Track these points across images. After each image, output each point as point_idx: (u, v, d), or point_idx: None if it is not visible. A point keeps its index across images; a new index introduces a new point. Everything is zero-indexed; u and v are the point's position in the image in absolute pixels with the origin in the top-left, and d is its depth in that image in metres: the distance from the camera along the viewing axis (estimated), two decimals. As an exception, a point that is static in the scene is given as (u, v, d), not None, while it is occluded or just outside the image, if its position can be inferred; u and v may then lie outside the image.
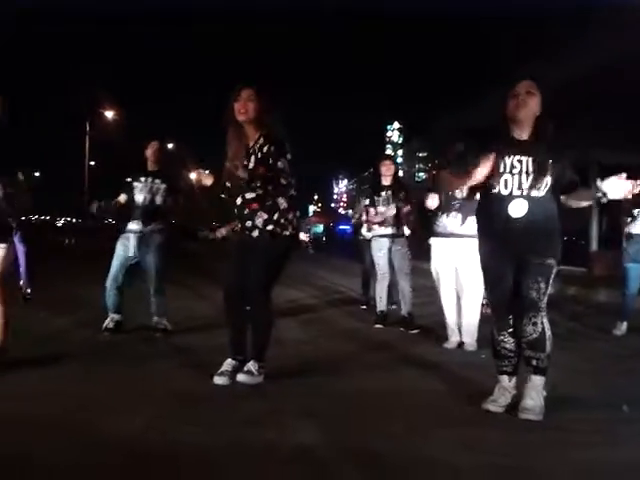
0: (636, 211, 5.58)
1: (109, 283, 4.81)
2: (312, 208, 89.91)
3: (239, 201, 3.36)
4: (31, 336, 4.40)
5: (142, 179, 4.90)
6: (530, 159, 2.90)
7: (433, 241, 4.82)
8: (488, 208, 3.04)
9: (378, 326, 5.62)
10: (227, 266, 3.52)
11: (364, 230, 7.00)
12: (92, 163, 36.63)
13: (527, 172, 2.90)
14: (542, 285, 2.92)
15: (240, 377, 3.28)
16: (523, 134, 2.97)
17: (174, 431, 2.57)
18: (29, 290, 3.51)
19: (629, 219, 5.60)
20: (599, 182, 3.04)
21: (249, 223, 3.34)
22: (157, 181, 4.90)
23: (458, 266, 4.63)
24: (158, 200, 4.88)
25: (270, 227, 3.32)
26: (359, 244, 7.18)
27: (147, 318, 4.92)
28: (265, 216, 3.31)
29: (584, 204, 3.19)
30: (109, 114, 34.88)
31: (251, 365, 3.34)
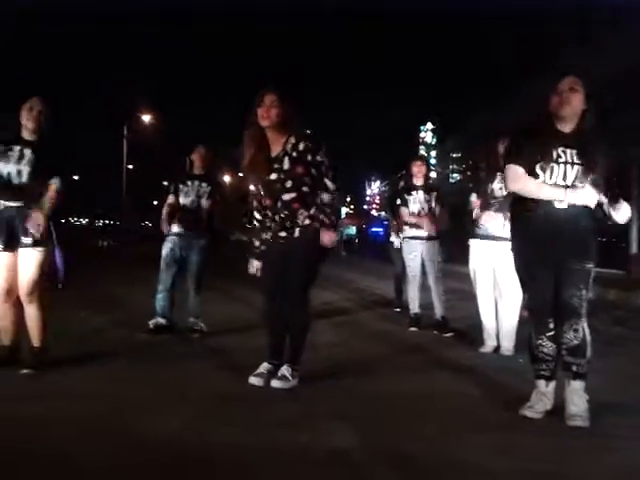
0: None
1: (159, 286, 4.94)
2: (344, 210, 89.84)
3: (278, 204, 3.35)
4: (70, 336, 4.51)
5: (189, 183, 5.02)
6: (574, 151, 2.87)
7: (472, 243, 4.75)
8: (528, 200, 2.95)
9: (412, 329, 5.58)
10: (264, 271, 3.50)
11: (393, 236, 6.98)
12: (130, 166, 37.38)
13: (572, 163, 2.87)
14: (583, 292, 2.88)
15: (274, 383, 3.30)
16: (567, 128, 2.93)
17: (210, 432, 2.60)
18: (60, 284, 3.60)
19: None
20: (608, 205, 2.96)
21: (288, 223, 3.34)
22: (203, 185, 5.02)
23: (497, 269, 4.55)
24: (203, 203, 4.99)
25: (308, 222, 3.32)
26: (390, 247, 7.16)
27: (183, 319, 5.00)
28: (305, 213, 3.33)
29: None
30: (146, 117, 35.55)
31: (285, 370, 3.36)
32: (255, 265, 3.52)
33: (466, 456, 2.44)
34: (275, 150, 3.38)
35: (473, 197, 4.69)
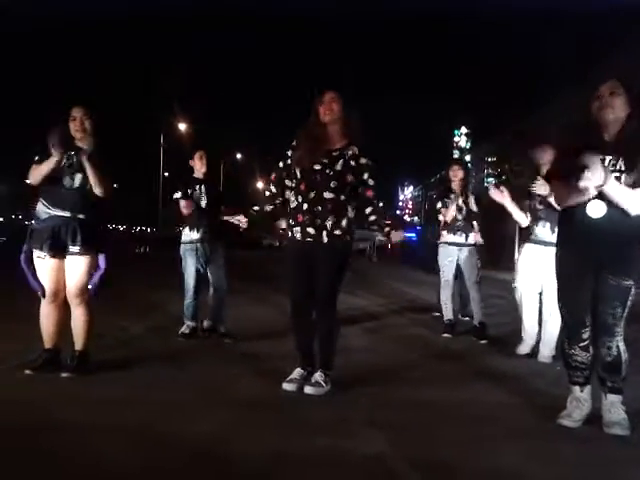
0: None
1: (186, 292, 5.01)
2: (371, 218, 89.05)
3: (312, 195, 3.35)
4: (109, 341, 4.61)
5: (196, 187, 5.04)
6: (614, 159, 2.79)
7: (525, 247, 4.70)
8: (569, 210, 2.91)
9: (446, 335, 5.53)
10: (291, 276, 3.51)
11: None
12: (166, 174, 38.05)
13: (620, 171, 2.78)
14: (619, 310, 2.78)
15: (307, 389, 3.31)
16: (610, 134, 2.86)
17: (245, 438, 2.64)
18: (94, 292, 3.70)
19: None
20: None
21: (318, 221, 3.34)
22: (211, 188, 5.07)
23: (545, 274, 4.49)
24: (216, 208, 5.02)
25: (338, 232, 3.36)
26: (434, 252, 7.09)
27: (215, 324, 5.06)
28: (335, 219, 3.35)
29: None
30: (182, 126, 36.18)
31: (318, 376, 3.37)
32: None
33: (501, 463, 2.42)
34: (334, 145, 3.40)
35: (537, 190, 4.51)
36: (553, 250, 4.27)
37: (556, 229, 4.32)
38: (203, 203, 5.02)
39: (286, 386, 3.36)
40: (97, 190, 3.55)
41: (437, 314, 6.78)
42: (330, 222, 3.34)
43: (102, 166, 3.56)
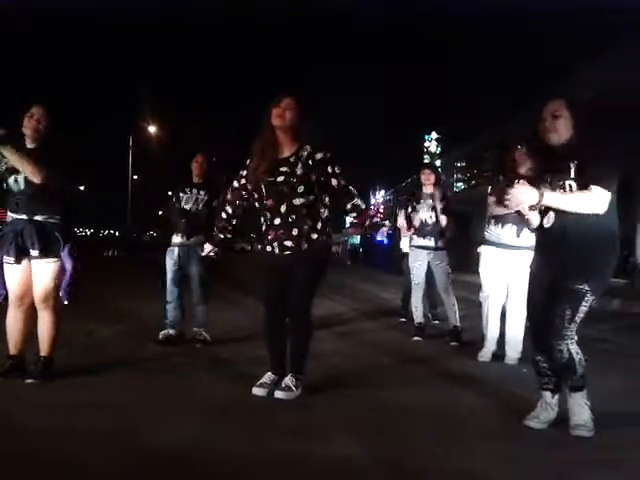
0: None
1: (167, 297, 4.97)
2: (349, 219, 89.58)
3: (284, 209, 3.33)
4: (77, 347, 4.52)
5: (188, 191, 5.04)
6: (560, 170, 2.82)
7: (484, 249, 4.75)
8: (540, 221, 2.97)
9: (416, 338, 5.58)
10: (266, 282, 3.50)
11: (403, 243, 6.99)
12: (135, 177, 37.56)
13: (556, 182, 2.82)
14: (568, 313, 2.76)
15: (278, 394, 3.30)
16: (558, 147, 2.90)
17: (215, 442, 2.62)
18: (67, 298, 3.61)
19: None
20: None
21: (295, 230, 3.32)
22: (201, 193, 5.04)
23: (508, 277, 4.56)
24: (202, 212, 4.99)
25: (315, 236, 3.35)
26: (400, 256, 7.17)
27: (189, 329, 5.02)
28: (311, 224, 3.34)
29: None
30: (152, 128, 35.76)
31: (289, 380, 3.35)
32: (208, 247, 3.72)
33: (470, 466, 2.45)
34: (285, 153, 3.38)
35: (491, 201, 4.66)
36: (517, 253, 4.42)
37: (522, 233, 4.44)
38: (190, 207, 4.99)
39: (256, 391, 3.35)
40: (35, 179, 3.35)
41: (403, 320, 6.85)
42: (307, 227, 3.33)
43: (46, 160, 3.36)
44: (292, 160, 3.34)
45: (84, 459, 2.37)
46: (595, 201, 2.72)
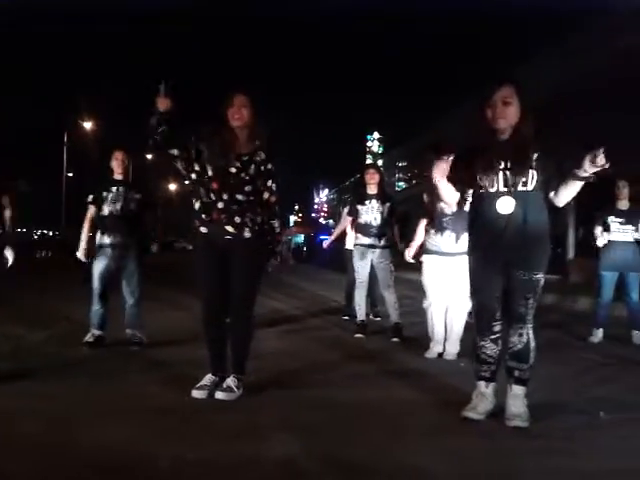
0: (610, 219, 5.70)
1: (93, 299, 4.77)
2: (293, 218, 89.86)
3: (225, 196, 3.26)
4: (5, 352, 4.32)
5: (113, 189, 4.81)
6: (511, 156, 2.88)
7: (426, 258, 4.81)
8: (478, 208, 3.01)
9: (359, 336, 5.62)
10: (204, 277, 3.38)
11: (348, 241, 7.02)
12: (70, 174, 36.28)
13: (510, 169, 2.89)
14: (530, 301, 2.92)
15: (219, 395, 3.23)
16: (503, 135, 2.96)
17: (153, 447, 2.53)
18: None
19: (601, 228, 5.72)
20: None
21: (238, 219, 3.26)
22: (129, 191, 4.82)
23: (450, 281, 4.63)
24: (129, 211, 4.79)
25: (258, 228, 3.32)
26: (344, 254, 7.19)
27: (123, 331, 4.86)
28: (252, 217, 3.31)
29: (573, 192, 2.90)
30: (87, 125, 34.63)
31: (230, 381, 3.29)
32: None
33: (412, 461, 2.46)
34: (242, 150, 3.35)
35: (422, 224, 4.85)
36: (457, 259, 4.51)
37: (460, 239, 4.53)
38: (117, 206, 4.77)
39: (196, 393, 3.26)
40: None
41: (346, 317, 6.89)
42: (249, 219, 3.29)
43: None
44: (246, 159, 3.33)
45: (8, 470, 2.24)
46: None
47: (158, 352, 4.60)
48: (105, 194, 4.80)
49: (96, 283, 4.77)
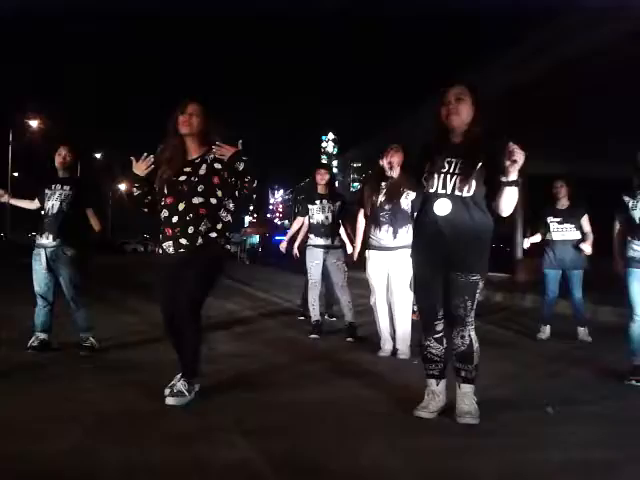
0: (549, 219, 5.90)
1: (37, 301, 4.59)
2: (247, 219, 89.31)
3: (182, 206, 3.26)
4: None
5: (52, 187, 4.61)
6: (458, 161, 2.93)
7: (368, 253, 4.88)
8: (422, 208, 3.06)
9: (313, 336, 5.62)
10: (162, 290, 3.33)
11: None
12: (15, 174, 35.02)
13: (453, 173, 2.93)
14: (468, 302, 2.96)
15: (169, 400, 3.15)
16: (456, 138, 3.01)
17: (101, 453, 2.46)
18: None
19: (544, 227, 5.92)
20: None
21: (192, 228, 3.24)
22: (66, 188, 4.60)
23: (391, 276, 4.71)
24: (69, 210, 4.58)
25: (214, 235, 3.28)
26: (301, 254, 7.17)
27: (73, 335, 4.71)
28: (209, 225, 3.27)
29: (510, 199, 2.86)
30: (33, 123, 33.52)
31: (180, 385, 3.21)
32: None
33: (366, 459, 2.48)
34: (192, 156, 3.37)
35: (361, 216, 4.93)
36: (396, 254, 4.59)
37: (398, 234, 4.62)
38: (55, 205, 4.56)
39: (167, 392, 3.17)
40: None
41: (301, 318, 6.89)
42: (204, 227, 3.26)
43: None
44: (197, 161, 3.34)
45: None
46: (512, 203, 2.87)
47: (107, 356, 4.49)
48: (46, 191, 4.61)
49: (35, 285, 4.59)
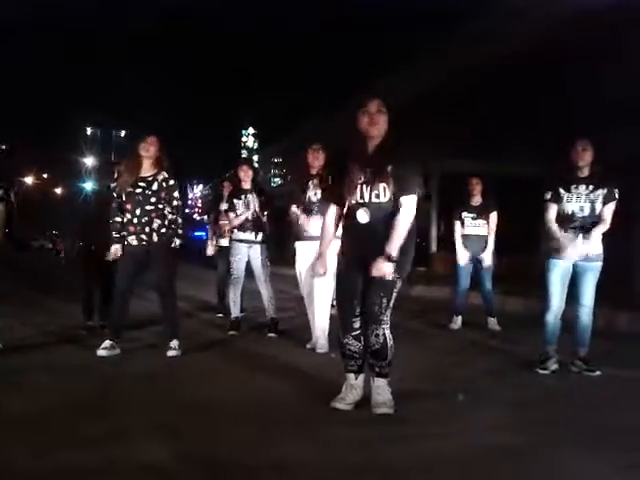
0: (463, 214, 6.15)
1: None
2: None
3: (138, 212, 4.47)
4: None
5: None
6: (373, 170, 3.05)
7: (298, 245, 4.92)
8: (347, 213, 3.17)
9: (232, 333, 5.56)
10: (122, 266, 4.44)
11: (221, 237, 6.91)
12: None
13: (368, 182, 3.06)
14: (384, 300, 3.02)
15: (171, 352, 4.41)
16: (371, 147, 3.12)
17: (7, 456, 2.36)
18: None
19: (459, 222, 6.16)
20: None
21: (147, 229, 4.46)
22: None
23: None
24: None
25: (164, 230, 4.52)
26: (216, 251, 7.06)
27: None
28: (159, 222, 4.50)
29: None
30: None
31: (174, 344, 4.46)
32: (114, 249, 4.51)
33: (282, 453, 2.49)
34: (146, 173, 4.55)
35: (294, 207, 4.90)
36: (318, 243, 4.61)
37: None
38: None
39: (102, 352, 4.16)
40: None
41: (220, 315, 6.79)
42: (156, 225, 4.48)
43: None
44: (150, 179, 4.54)
45: None
46: (410, 214, 3.02)
47: (11, 358, 4.26)
48: None
49: None
